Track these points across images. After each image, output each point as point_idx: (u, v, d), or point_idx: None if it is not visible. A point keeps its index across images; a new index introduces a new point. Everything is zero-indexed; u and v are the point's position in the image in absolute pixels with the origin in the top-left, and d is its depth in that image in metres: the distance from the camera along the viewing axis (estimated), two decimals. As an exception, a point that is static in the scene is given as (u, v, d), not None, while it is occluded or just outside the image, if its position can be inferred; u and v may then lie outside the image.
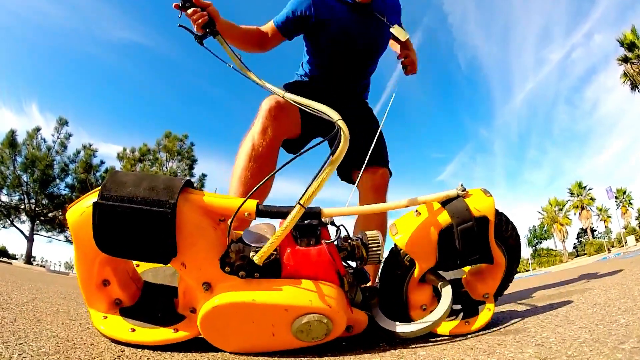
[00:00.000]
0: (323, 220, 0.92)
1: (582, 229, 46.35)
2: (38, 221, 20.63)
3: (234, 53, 1.32)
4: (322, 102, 0.99)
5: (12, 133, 19.66)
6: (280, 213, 0.88)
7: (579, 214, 42.47)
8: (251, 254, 0.85)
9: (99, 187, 0.86)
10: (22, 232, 20.43)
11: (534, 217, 60.50)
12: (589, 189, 42.39)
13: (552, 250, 44.50)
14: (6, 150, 19.47)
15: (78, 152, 21.27)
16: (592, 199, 42.12)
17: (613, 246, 36.69)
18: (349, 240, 0.99)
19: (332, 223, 0.95)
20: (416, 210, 1.05)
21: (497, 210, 1.09)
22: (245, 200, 0.87)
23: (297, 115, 1.58)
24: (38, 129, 20.65)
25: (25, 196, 20.18)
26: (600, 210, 42.67)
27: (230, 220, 0.85)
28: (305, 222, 0.91)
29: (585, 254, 38.09)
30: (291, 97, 1.10)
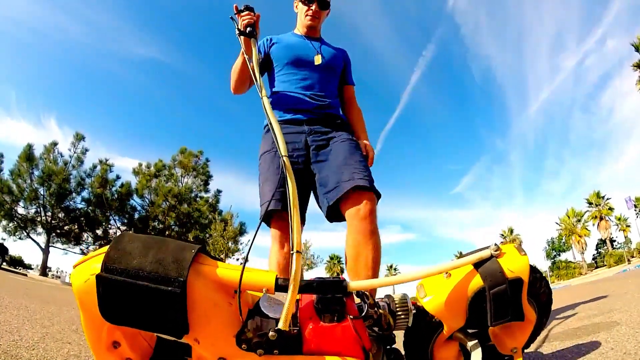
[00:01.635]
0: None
1: (601, 239, 45.36)
2: (54, 234, 20.90)
3: (258, 57, 1.47)
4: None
5: (30, 147, 20.06)
6: (301, 287, 0.81)
7: (598, 224, 41.60)
8: (271, 332, 0.78)
9: (105, 251, 0.81)
10: (38, 244, 20.74)
11: (552, 228, 59.40)
12: (607, 199, 41.53)
13: (571, 262, 43.50)
14: (23, 163, 19.85)
15: (94, 166, 21.58)
16: (611, 209, 41.25)
17: (633, 256, 35.71)
18: (376, 308, 0.93)
19: (358, 293, 0.89)
20: (446, 272, 0.98)
21: (531, 267, 1.02)
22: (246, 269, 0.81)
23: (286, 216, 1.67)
24: (55, 144, 21.05)
25: (41, 209, 20.50)
26: (619, 219, 41.72)
27: (245, 297, 0.79)
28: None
29: (605, 265, 37.16)
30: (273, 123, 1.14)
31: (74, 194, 21.28)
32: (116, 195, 21.23)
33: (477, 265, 0.96)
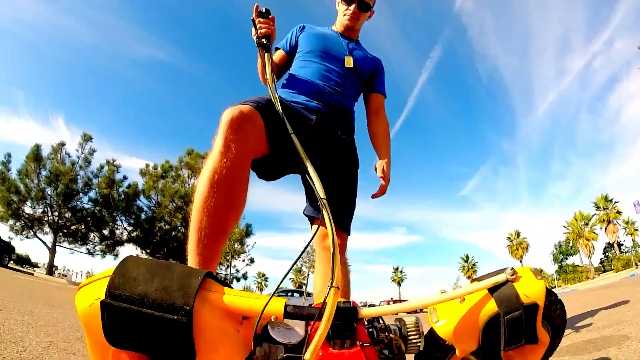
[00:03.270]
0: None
1: (608, 243, 44.98)
2: (61, 233, 21.05)
3: (272, 72, 1.46)
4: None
5: (37, 147, 20.23)
6: (311, 315, 0.79)
7: (605, 228, 41.20)
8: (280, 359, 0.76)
9: (109, 274, 0.79)
10: (44, 243, 20.90)
11: (559, 231, 58.89)
12: (615, 202, 41.12)
13: (578, 266, 43.14)
14: (31, 163, 20.02)
15: (102, 167, 21.73)
16: (619, 212, 40.83)
17: (641, 261, 35.36)
18: (386, 332, 0.90)
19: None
20: (461, 297, 0.96)
21: (547, 291, 0.99)
22: (270, 298, 0.78)
23: (262, 129, 1.31)
24: (62, 144, 21.22)
25: (48, 209, 20.66)
26: (627, 223, 41.31)
27: (256, 324, 0.77)
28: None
29: (613, 269, 36.80)
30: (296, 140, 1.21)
31: (81, 194, 21.45)
32: (123, 196, 21.36)
33: (492, 289, 0.94)
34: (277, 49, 1.92)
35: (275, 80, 1.58)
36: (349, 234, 1.73)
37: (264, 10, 1.57)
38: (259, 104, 1.31)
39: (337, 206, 1.58)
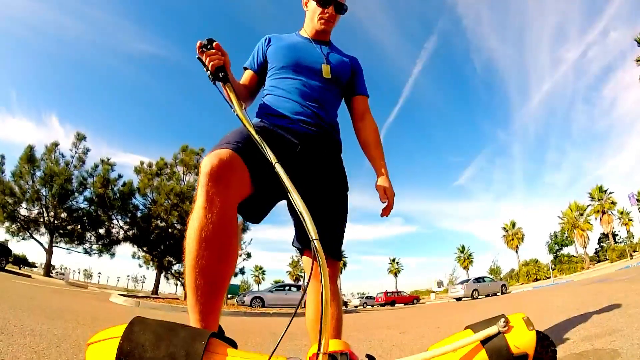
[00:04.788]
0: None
1: (603, 233, 45.37)
2: (57, 234, 20.99)
3: (239, 102, 1.38)
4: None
5: (31, 149, 20.06)
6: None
7: (600, 218, 41.56)
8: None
9: (119, 333, 0.81)
10: (41, 244, 20.85)
11: (554, 221, 59.37)
12: (610, 193, 41.43)
13: (573, 256, 43.53)
14: (25, 165, 19.90)
15: (96, 166, 21.57)
16: (614, 203, 41.16)
17: (635, 251, 35.74)
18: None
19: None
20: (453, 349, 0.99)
21: (540, 337, 1.02)
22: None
23: (245, 172, 1.26)
24: (56, 144, 21.04)
25: (44, 210, 20.57)
26: (622, 213, 41.70)
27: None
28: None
29: (607, 259, 37.19)
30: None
31: (76, 194, 21.34)
32: (118, 195, 21.27)
33: (485, 341, 0.97)
34: (245, 68, 1.78)
35: (245, 107, 1.50)
36: (340, 260, 1.65)
37: (205, 42, 1.43)
38: (237, 144, 1.27)
39: (330, 233, 1.56)
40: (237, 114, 1.33)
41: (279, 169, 1.13)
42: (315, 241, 0.95)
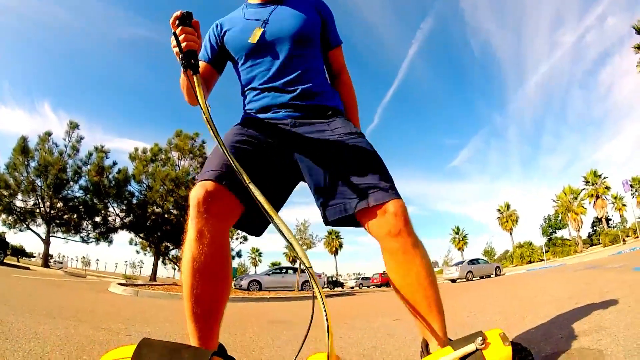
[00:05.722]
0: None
1: (597, 217, 45.81)
2: (54, 224, 21.00)
3: (206, 105, 1.22)
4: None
5: (24, 140, 19.91)
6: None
7: (594, 202, 41.93)
8: None
9: (131, 353, 0.89)
10: (38, 235, 20.86)
11: (549, 204, 59.92)
12: (605, 177, 41.74)
13: (567, 240, 44.03)
14: (19, 156, 19.77)
15: (90, 154, 21.46)
16: (608, 188, 41.50)
17: (628, 236, 36.21)
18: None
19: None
20: (432, 368, 1.05)
21: (517, 350, 1.08)
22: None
23: (231, 197, 1.23)
24: (49, 134, 20.89)
25: (39, 200, 20.53)
26: (616, 198, 42.10)
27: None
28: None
29: (600, 243, 37.65)
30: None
31: (71, 183, 21.29)
32: (114, 182, 21.22)
33: (463, 358, 1.03)
34: None
35: (209, 107, 1.28)
36: (398, 197, 1.25)
37: (185, 14, 1.22)
38: (219, 170, 1.24)
39: (358, 177, 1.30)
40: (204, 119, 1.19)
41: (253, 189, 1.07)
42: (309, 269, 0.97)
